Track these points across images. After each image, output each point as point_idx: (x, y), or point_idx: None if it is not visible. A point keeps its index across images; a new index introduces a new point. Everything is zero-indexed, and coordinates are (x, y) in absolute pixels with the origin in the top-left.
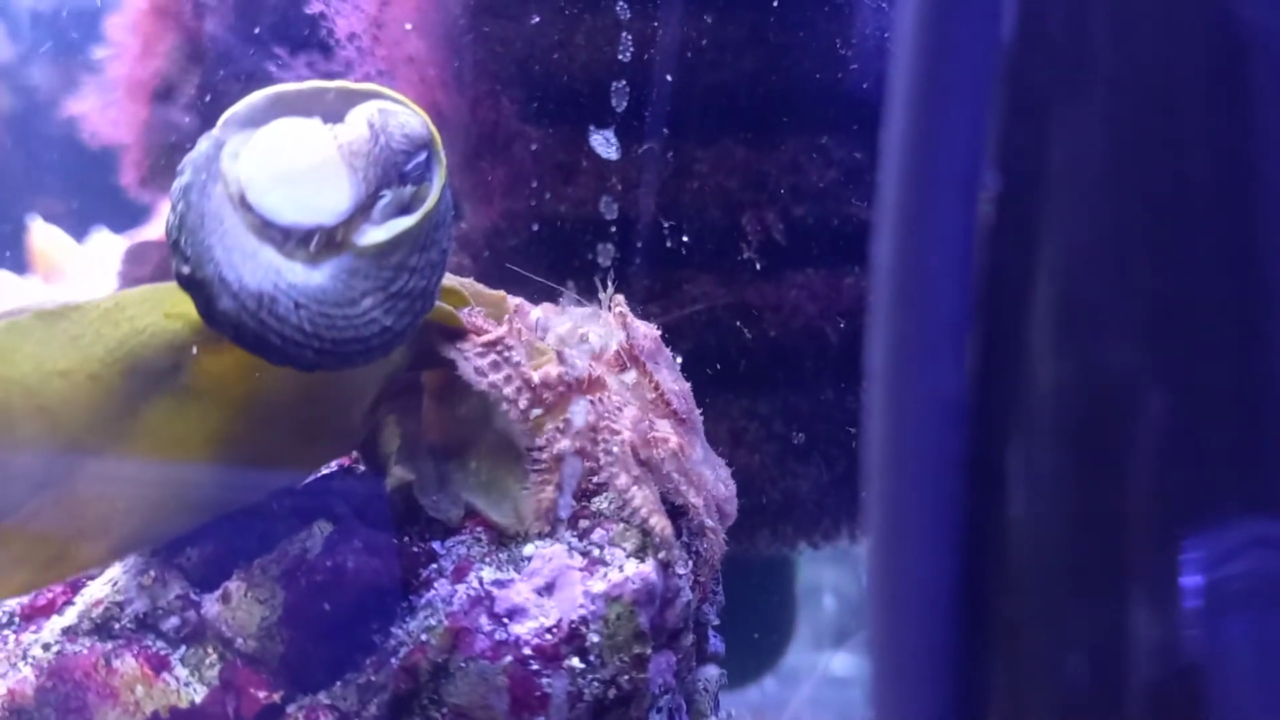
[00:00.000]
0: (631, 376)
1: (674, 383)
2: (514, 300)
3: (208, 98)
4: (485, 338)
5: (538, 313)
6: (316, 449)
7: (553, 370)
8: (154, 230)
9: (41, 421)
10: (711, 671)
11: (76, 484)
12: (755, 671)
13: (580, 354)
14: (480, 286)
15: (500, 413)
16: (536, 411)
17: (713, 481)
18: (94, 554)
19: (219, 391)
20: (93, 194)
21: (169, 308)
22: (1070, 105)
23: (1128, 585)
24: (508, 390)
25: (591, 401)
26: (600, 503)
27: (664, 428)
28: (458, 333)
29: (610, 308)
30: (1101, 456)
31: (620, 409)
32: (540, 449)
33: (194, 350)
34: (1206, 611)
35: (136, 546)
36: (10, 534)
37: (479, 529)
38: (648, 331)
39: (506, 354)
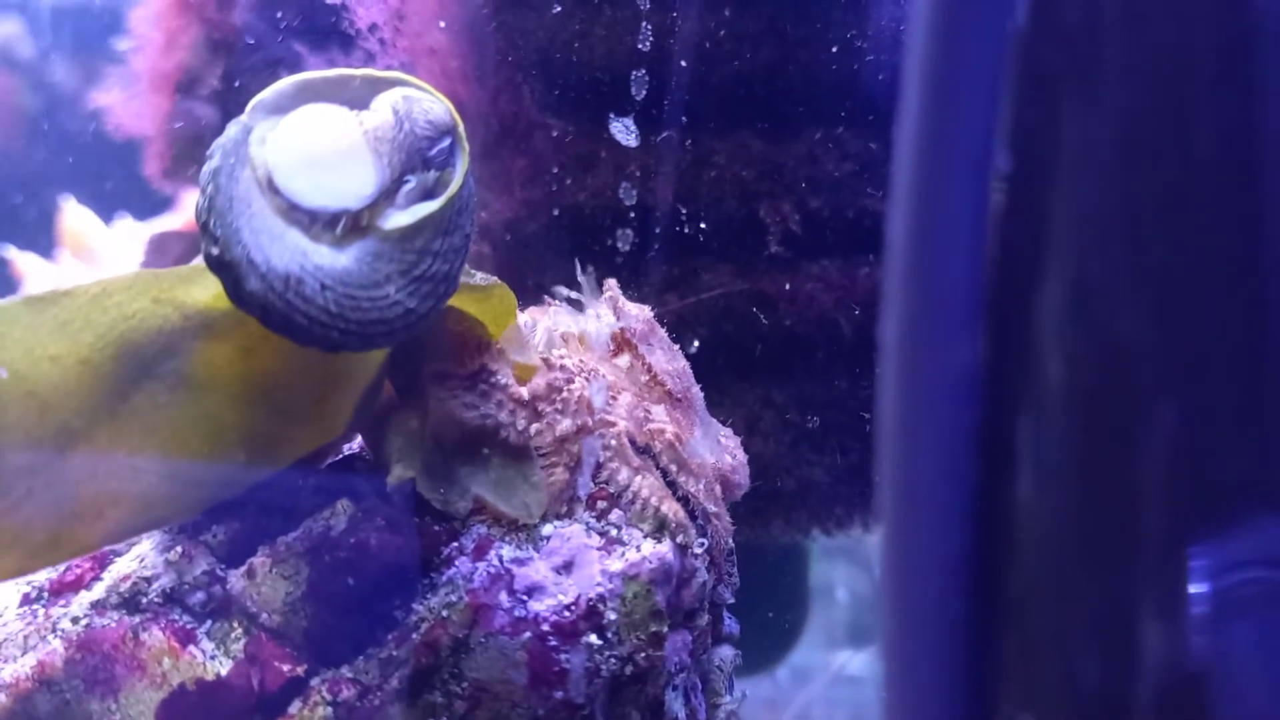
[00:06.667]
0: (625, 360)
1: (668, 362)
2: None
3: (236, 83)
4: (465, 370)
5: (524, 317)
6: (311, 434)
7: (540, 381)
8: (176, 220)
9: (31, 406)
10: (727, 652)
11: (69, 469)
12: (768, 661)
13: (568, 353)
14: (473, 275)
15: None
16: (536, 426)
17: (715, 460)
18: (88, 539)
19: (214, 377)
20: (117, 186)
21: (157, 294)
22: (1082, 88)
23: (1135, 574)
24: (502, 416)
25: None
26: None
27: (659, 414)
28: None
29: (602, 292)
30: (1111, 439)
31: (615, 396)
32: (540, 434)
33: (197, 337)
34: (1213, 615)
35: (133, 532)
36: (2, 519)
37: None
38: (640, 313)
39: (491, 379)
